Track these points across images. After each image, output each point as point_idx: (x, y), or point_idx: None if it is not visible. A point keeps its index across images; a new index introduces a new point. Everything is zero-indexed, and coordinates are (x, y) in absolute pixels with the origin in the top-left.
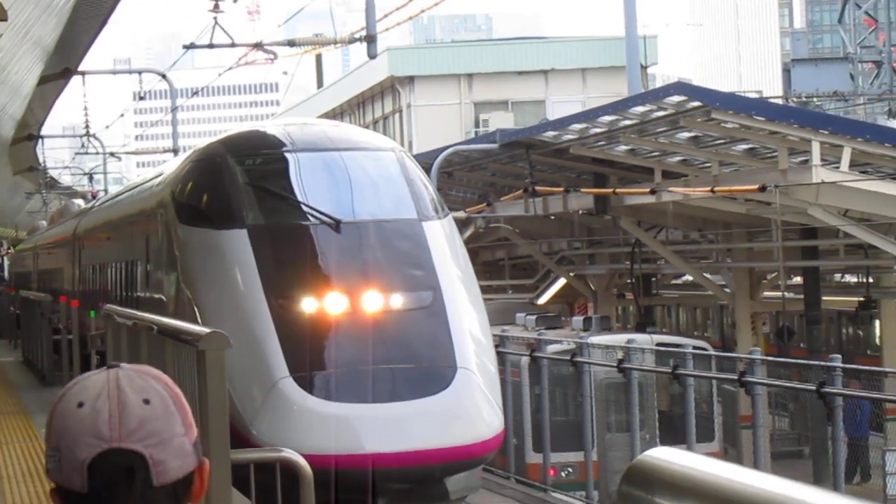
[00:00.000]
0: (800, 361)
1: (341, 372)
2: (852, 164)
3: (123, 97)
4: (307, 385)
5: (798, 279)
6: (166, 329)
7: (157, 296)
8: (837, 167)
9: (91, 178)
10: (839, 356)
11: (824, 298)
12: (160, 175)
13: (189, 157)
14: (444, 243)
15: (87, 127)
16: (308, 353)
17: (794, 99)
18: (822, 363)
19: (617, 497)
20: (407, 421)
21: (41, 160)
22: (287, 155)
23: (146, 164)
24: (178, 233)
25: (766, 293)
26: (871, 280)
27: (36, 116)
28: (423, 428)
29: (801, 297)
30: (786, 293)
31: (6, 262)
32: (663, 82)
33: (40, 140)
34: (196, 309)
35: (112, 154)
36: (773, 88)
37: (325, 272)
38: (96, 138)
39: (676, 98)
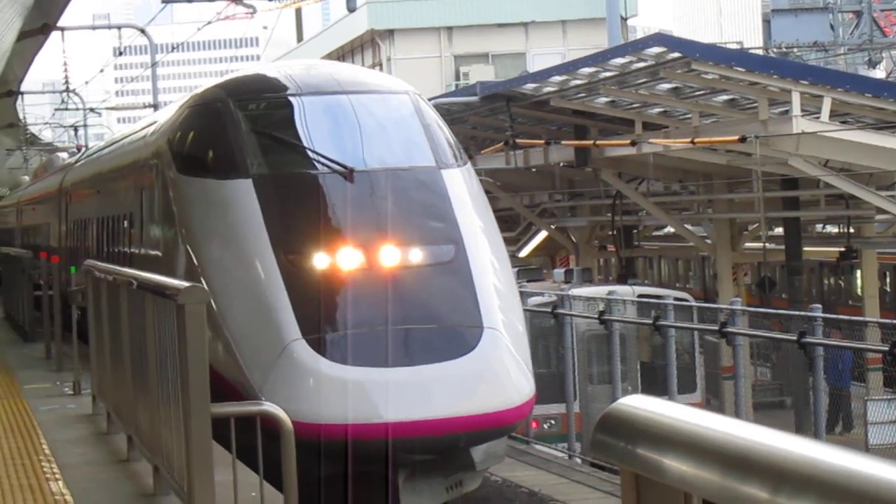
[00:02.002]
0: (781, 312)
1: (357, 333)
2: (832, 115)
3: (103, 53)
4: (320, 348)
5: (779, 230)
6: (146, 284)
7: (152, 252)
8: (818, 118)
9: (76, 131)
10: (820, 306)
11: (805, 249)
12: (154, 123)
13: (186, 103)
14: (465, 193)
15: (66, 83)
16: (321, 314)
17: (775, 49)
18: (803, 313)
19: (591, 446)
20: (429, 386)
21: (21, 116)
22: (293, 99)
23: (127, 119)
24: (176, 184)
25: (748, 244)
26: (851, 230)
27: (15, 73)
28: (446, 394)
29: (782, 247)
30: (767, 244)
31: None
32: (644, 34)
33: (20, 96)
34: (198, 266)
35: (92, 110)
36: (753, 39)
37: (338, 225)
38: (76, 94)
39: (656, 49)
